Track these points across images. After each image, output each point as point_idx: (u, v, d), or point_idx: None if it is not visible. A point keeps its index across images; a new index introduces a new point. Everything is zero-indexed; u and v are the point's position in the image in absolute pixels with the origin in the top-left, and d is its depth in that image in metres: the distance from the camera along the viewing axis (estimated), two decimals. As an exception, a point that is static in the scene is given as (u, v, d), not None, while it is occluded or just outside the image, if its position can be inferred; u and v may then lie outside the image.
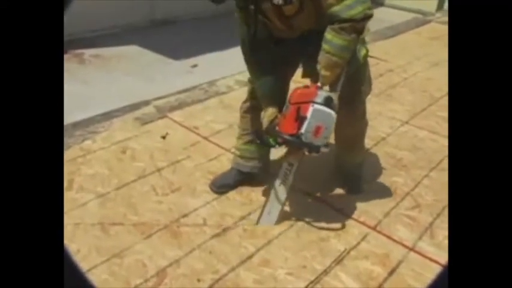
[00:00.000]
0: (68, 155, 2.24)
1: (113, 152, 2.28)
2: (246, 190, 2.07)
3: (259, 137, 1.83)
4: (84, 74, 4.29)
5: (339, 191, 2.12)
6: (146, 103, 2.79)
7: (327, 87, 1.69)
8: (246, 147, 2.06)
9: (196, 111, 2.77)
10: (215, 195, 2.02)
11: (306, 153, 1.71)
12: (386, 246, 1.79)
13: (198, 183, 2.09)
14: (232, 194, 2.04)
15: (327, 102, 1.62)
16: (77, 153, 2.25)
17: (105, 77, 3.84)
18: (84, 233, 1.77)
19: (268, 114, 1.79)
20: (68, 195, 1.96)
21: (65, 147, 2.32)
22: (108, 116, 2.58)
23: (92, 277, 1.57)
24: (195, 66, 3.65)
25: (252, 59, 1.82)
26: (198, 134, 2.51)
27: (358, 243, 1.80)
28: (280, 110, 1.76)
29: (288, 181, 1.81)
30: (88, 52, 4.95)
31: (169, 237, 1.77)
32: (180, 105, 2.80)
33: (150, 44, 4.01)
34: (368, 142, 2.28)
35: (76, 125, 2.47)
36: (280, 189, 1.83)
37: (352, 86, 1.79)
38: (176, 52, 3.93)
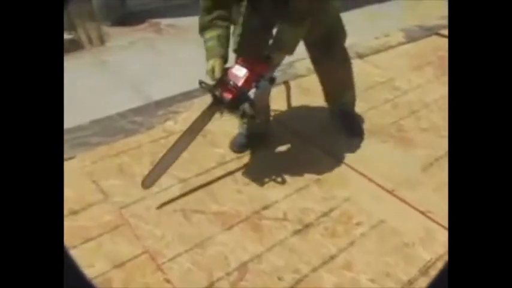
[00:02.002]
0: (150, 135, 2.28)
1: (193, 134, 2.29)
2: (327, 183, 2.02)
3: (202, 82, 1.83)
4: (161, 44, 4.34)
5: (427, 191, 2.01)
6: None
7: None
8: None
9: (274, 94, 2.71)
10: (295, 188, 1.98)
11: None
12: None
13: (277, 173, 2.06)
14: (313, 187, 2.00)
15: (271, 80, 1.87)
16: (159, 134, 2.29)
17: (182, 48, 3.86)
18: (168, 219, 1.81)
19: (216, 64, 1.80)
20: (151, 178, 2.00)
21: (148, 126, 2.37)
22: (188, 95, 2.59)
23: (175, 265, 1.61)
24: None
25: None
26: (276, 120, 2.46)
27: (446, 253, 1.71)
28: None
29: (193, 135, 1.91)
30: (164, 22, 5.00)
31: (250, 230, 1.77)
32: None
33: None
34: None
35: (159, 103, 2.51)
36: (183, 142, 1.88)
37: (331, 37, 2.05)
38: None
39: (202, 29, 1.85)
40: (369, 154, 2.18)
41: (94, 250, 1.68)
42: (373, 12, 4.44)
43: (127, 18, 5.17)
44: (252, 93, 1.78)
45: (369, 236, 1.76)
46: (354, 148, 2.24)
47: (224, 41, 1.83)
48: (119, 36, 5.17)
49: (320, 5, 1.85)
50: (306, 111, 2.57)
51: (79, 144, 2.22)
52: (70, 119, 2.46)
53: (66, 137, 2.28)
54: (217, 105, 1.83)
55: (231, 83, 1.75)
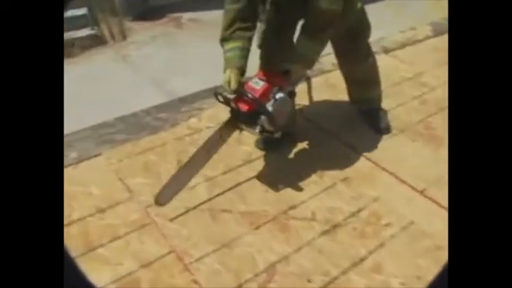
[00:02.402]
0: (175, 132, 2.27)
1: (218, 132, 2.27)
2: (355, 182, 1.98)
3: (219, 93, 1.81)
4: (182, 39, 4.33)
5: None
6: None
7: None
8: None
9: (300, 89, 2.67)
10: (323, 186, 1.95)
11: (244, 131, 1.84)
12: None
13: (304, 172, 2.03)
14: (340, 186, 1.96)
15: (290, 95, 1.84)
16: (184, 132, 2.28)
17: (202, 44, 3.84)
18: (194, 219, 1.79)
19: (233, 75, 1.76)
20: (177, 177, 1.99)
21: (172, 123, 2.36)
22: (210, 93, 2.55)
23: (202, 266, 1.60)
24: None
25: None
26: (301, 116, 2.42)
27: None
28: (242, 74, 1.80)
29: (211, 153, 1.83)
30: (185, 16, 4.98)
31: (278, 230, 1.75)
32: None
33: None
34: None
35: (182, 100, 2.50)
36: (199, 160, 1.81)
37: (355, 32, 2.01)
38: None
39: (223, 39, 1.82)
40: (398, 152, 2.14)
41: (122, 249, 1.68)
42: (400, 5, 4.35)
43: (148, 13, 5.18)
44: (270, 105, 1.73)
45: (399, 238, 1.72)
46: (381, 146, 2.19)
47: (244, 52, 1.80)
48: (140, 31, 5.18)
49: (340, 18, 1.77)
50: (333, 107, 2.52)
51: (104, 142, 2.22)
52: (94, 116, 2.47)
53: (91, 133, 2.28)
54: (235, 120, 1.81)
55: (248, 94, 1.72)
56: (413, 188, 1.93)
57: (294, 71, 1.83)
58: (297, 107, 2.39)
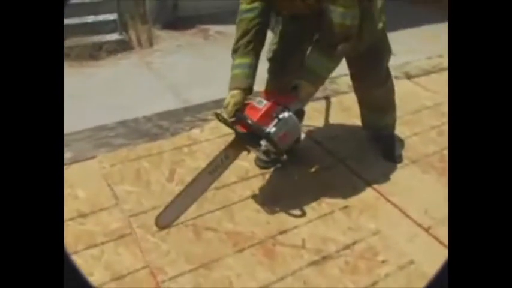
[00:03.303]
0: (174, 142, 2.19)
1: (218, 145, 2.15)
2: (355, 211, 1.84)
3: (219, 114, 1.73)
4: (208, 50, 4.30)
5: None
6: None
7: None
8: None
9: (311, 110, 2.55)
10: (319, 213, 1.81)
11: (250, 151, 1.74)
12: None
13: (303, 195, 1.89)
14: (338, 214, 1.82)
15: (298, 114, 1.70)
16: (183, 142, 2.19)
17: (227, 56, 3.79)
18: (177, 234, 1.68)
19: (235, 97, 1.69)
20: (167, 187, 1.90)
21: (172, 132, 2.28)
22: (219, 103, 2.47)
23: (174, 285, 1.48)
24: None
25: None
26: (310, 138, 2.30)
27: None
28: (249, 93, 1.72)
29: (216, 175, 1.71)
30: (213, 28, 4.97)
31: (263, 255, 1.62)
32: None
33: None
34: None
35: (188, 109, 2.42)
36: (205, 179, 1.69)
37: (373, 55, 1.88)
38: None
39: (234, 51, 1.75)
40: (406, 184, 1.98)
41: (95, 258, 1.59)
42: (430, 32, 4.19)
43: (178, 23, 5.19)
44: (272, 127, 1.62)
45: (395, 278, 1.56)
46: (390, 176, 2.04)
47: (251, 70, 1.73)
48: (168, 40, 5.19)
49: (355, 34, 1.68)
50: (344, 130, 2.39)
51: (101, 145, 2.15)
52: (99, 118, 2.42)
53: (90, 135, 2.23)
54: (239, 140, 1.71)
55: (247, 120, 1.63)
56: (418, 224, 1.77)
57: (302, 87, 1.72)
58: (305, 128, 2.28)
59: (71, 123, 2.31)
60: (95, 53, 4.74)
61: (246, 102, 1.70)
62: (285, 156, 1.72)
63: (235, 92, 1.69)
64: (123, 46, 4.94)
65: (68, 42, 4.71)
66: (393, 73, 2.37)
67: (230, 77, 1.74)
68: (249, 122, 1.62)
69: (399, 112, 2.24)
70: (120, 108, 2.83)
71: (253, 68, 1.73)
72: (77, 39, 4.69)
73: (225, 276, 1.53)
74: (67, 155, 2.08)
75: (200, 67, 4.05)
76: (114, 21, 4.99)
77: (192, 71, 4.09)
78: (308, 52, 1.78)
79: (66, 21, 4.85)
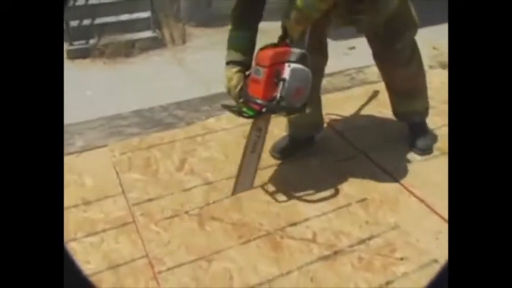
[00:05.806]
0: (187, 131, 2.11)
1: (234, 135, 2.07)
2: (373, 204, 1.69)
3: (226, 106, 1.65)
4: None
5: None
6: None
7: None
8: None
9: (337, 100, 2.41)
10: (334, 206, 1.67)
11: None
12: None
13: (319, 187, 1.76)
14: (355, 207, 1.68)
15: (302, 59, 1.52)
16: (197, 131, 2.10)
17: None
18: (180, 224, 1.60)
19: (233, 76, 1.61)
20: (176, 177, 1.82)
21: (188, 121, 2.20)
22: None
23: (172, 277, 1.39)
24: (352, 48, 3.29)
25: None
26: (332, 128, 2.16)
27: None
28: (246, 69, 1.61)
29: (258, 148, 1.65)
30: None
31: (269, 248, 1.50)
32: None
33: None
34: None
35: (204, 99, 2.34)
36: (252, 158, 1.65)
37: (394, 27, 1.72)
38: (334, 31, 3.60)
39: (234, 21, 1.67)
40: (434, 177, 1.80)
41: (94, 246, 1.53)
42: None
43: (211, 20, 5.16)
44: (279, 95, 1.49)
45: (413, 278, 1.40)
46: (416, 168, 1.87)
47: (251, 45, 1.64)
48: (201, 37, 5.18)
49: None
50: (369, 121, 2.23)
51: (114, 133, 2.11)
52: (115, 109, 2.40)
53: (104, 123, 2.19)
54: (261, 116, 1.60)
55: (253, 101, 1.52)
56: (445, 220, 1.60)
57: (289, 27, 1.55)
58: (327, 117, 2.14)
59: (90, 114, 2.30)
60: (128, 50, 4.79)
61: (247, 73, 1.60)
62: (309, 109, 1.62)
63: (232, 72, 1.62)
64: (156, 43, 4.98)
65: (102, 40, 4.79)
66: (427, 62, 2.20)
67: (227, 49, 1.68)
68: (256, 103, 1.52)
69: (433, 102, 2.06)
70: (146, 100, 2.80)
71: (252, 42, 1.65)
72: (111, 37, 4.76)
73: (225, 269, 1.42)
74: (79, 143, 2.04)
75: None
76: (147, 19, 5.03)
77: (223, 67, 4.03)
78: None
79: (101, 19, 4.96)
